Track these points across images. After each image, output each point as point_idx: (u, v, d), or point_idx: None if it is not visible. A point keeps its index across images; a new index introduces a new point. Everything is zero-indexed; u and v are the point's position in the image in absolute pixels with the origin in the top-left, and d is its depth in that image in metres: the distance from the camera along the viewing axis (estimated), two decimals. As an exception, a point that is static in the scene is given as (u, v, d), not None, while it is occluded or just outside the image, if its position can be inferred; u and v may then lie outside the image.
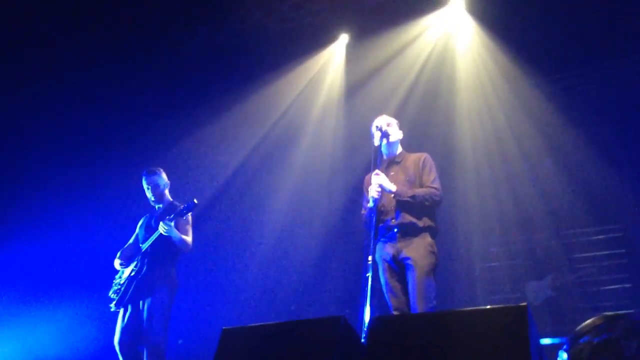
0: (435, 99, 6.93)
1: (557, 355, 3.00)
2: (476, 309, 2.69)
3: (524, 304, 2.52)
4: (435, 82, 6.91)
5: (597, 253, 7.06)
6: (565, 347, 2.86)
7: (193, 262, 7.01)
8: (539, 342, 2.61)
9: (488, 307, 2.66)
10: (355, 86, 7.14)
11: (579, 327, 2.86)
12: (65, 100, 6.77)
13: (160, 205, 5.29)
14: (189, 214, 5.09)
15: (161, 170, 5.35)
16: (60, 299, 6.55)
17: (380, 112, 6.45)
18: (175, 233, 4.97)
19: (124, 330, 4.92)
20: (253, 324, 3.20)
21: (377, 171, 4.51)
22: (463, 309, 2.83)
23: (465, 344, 2.55)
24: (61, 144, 6.85)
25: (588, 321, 2.85)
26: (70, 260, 6.53)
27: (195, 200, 5.01)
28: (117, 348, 4.89)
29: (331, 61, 7.27)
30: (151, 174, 5.26)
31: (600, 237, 7.13)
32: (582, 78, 6.90)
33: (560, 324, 6.69)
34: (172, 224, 4.94)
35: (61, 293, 6.55)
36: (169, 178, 5.44)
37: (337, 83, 7.27)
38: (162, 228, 4.88)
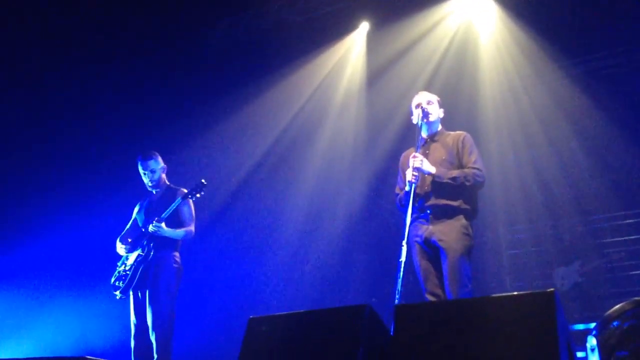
0: (457, 85, 6.85)
1: (585, 341, 2.96)
2: (503, 296, 2.66)
3: (552, 289, 2.49)
4: (458, 68, 6.84)
5: (626, 238, 6.97)
6: (594, 332, 2.82)
7: (218, 252, 7.08)
8: (567, 328, 2.58)
9: (515, 293, 2.62)
10: (377, 74, 7.10)
11: (608, 312, 2.82)
12: (85, 94, 6.84)
13: (158, 190, 5.26)
14: (191, 200, 5.06)
15: (157, 154, 5.28)
16: (71, 291, 6.62)
17: (402, 100, 6.46)
18: (169, 232, 4.94)
19: (138, 324, 4.90)
20: (279, 313, 3.21)
21: (414, 153, 4.31)
22: (490, 295, 2.80)
23: (492, 330, 2.52)
24: (81, 140, 6.92)
25: (617, 306, 2.81)
26: (79, 252, 6.58)
27: (203, 181, 4.99)
28: (132, 345, 4.88)
29: (352, 50, 7.23)
30: (147, 159, 5.19)
31: (628, 221, 7.04)
32: (608, 60, 6.77)
33: (588, 310, 6.63)
34: (163, 224, 4.89)
35: (72, 286, 6.61)
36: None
37: (358, 71, 7.23)
38: (151, 229, 4.85)
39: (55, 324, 6.51)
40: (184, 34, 6.89)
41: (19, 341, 6.40)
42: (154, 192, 5.28)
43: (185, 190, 5.14)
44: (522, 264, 7.47)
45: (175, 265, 4.99)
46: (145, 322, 4.86)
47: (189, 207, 5.13)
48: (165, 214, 4.95)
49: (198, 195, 5.00)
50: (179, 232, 5.02)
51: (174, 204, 4.99)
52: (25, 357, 4.06)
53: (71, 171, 6.82)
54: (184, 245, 5.24)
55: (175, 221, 5.02)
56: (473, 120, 6.76)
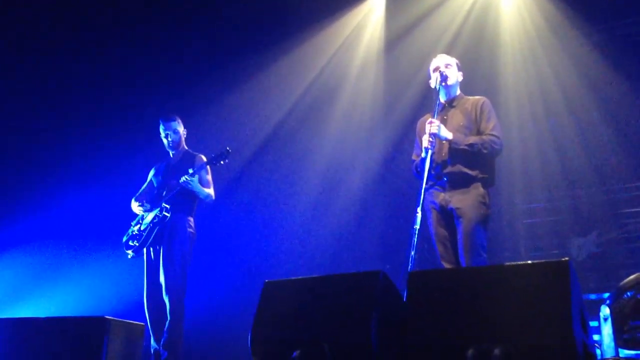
0: (477, 52, 6.74)
1: (599, 311, 2.97)
2: (517, 264, 2.65)
3: (566, 259, 2.48)
4: (478, 34, 6.71)
5: (644, 209, 6.90)
6: (608, 302, 2.83)
7: (235, 216, 7.14)
8: (581, 297, 2.58)
9: (530, 262, 2.62)
10: (395, 40, 6.99)
11: (622, 283, 2.82)
12: (100, 57, 6.85)
13: (175, 153, 5.31)
14: (208, 166, 5.11)
15: (178, 117, 5.33)
16: (90, 251, 6.71)
17: (420, 66, 6.37)
18: (198, 188, 5.00)
19: (150, 284, 4.99)
20: (294, 277, 3.24)
21: (431, 119, 4.26)
22: (504, 263, 2.80)
23: (506, 298, 2.53)
24: (98, 104, 6.95)
25: (632, 277, 2.81)
26: (97, 213, 6.65)
27: (228, 149, 5.02)
28: (145, 304, 5.00)
29: (370, 15, 7.13)
30: (170, 120, 5.25)
31: (648, 192, 6.95)
32: (633, 27, 6.61)
33: (604, 280, 6.61)
34: (196, 178, 4.98)
35: (91, 246, 6.71)
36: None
37: (376, 37, 7.13)
38: (183, 179, 4.90)
39: (74, 284, 6.63)
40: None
41: (39, 301, 6.55)
42: (171, 154, 5.32)
43: (203, 157, 5.18)
44: (538, 233, 7.42)
45: (189, 229, 5.06)
46: (157, 281, 4.94)
47: (207, 172, 5.17)
48: (195, 172, 4.98)
49: (222, 162, 5.03)
50: (205, 191, 5.08)
51: (200, 165, 5.03)
52: (45, 316, 4.16)
53: (88, 136, 6.88)
54: (200, 209, 5.29)
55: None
56: (493, 87, 6.65)
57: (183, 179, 4.92)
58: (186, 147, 5.38)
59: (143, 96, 6.90)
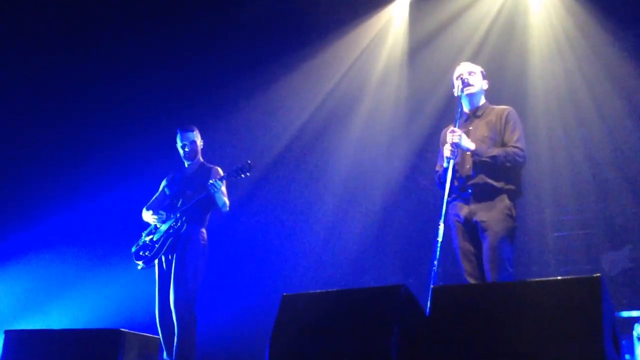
0: (505, 58, 6.63)
1: (632, 329, 2.87)
2: (545, 280, 2.58)
3: (598, 275, 2.40)
4: (506, 40, 6.60)
5: (681, 222, 6.68)
6: (643, 321, 2.70)
7: (253, 228, 7.09)
8: (614, 314, 2.47)
9: (559, 278, 2.53)
10: (419, 46, 6.93)
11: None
12: (117, 64, 6.91)
13: (191, 164, 5.28)
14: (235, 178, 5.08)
15: (196, 128, 5.32)
16: (106, 263, 6.71)
17: (444, 74, 6.27)
18: (221, 194, 4.97)
19: (161, 294, 4.92)
20: (313, 291, 3.19)
21: (452, 128, 4.18)
22: (532, 279, 2.70)
23: (533, 315, 2.45)
24: (111, 113, 7.00)
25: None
26: (114, 224, 6.64)
27: (249, 162, 4.99)
28: (157, 315, 4.92)
29: (394, 20, 7.08)
30: (187, 130, 5.25)
31: (684, 204, 6.73)
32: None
33: (637, 297, 6.39)
34: (223, 184, 4.95)
35: (106, 258, 6.70)
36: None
37: (399, 43, 7.07)
38: (211, 185, 4.86)
39: (89, 295, 6.63)
40: (224, 3, 6.88)
41: (53, 312, 6.55)
42: (186, 164, 5.30)
43: (219, 169, 5.18)
44: (568, 247, 7.23)
45: (202, 242, 5.02)
46: (169, 292, 4.87)
47: (223, 183, 5.14)
48: (223, 178, 4.97)
49: (243, 175, 4.99)
50: (224, 199, 5.04)
51: (220, 178, 4.99)
52: (59, 328, 4.14)
53: (99, 145, 6.94)
54: (216, 221, 5.25)
55: (209, 198, 5.02)
56: (521, 95, 6.52)
57: (211, 181, 4.88)
58: (202, 159, 5.36)
59: (158, 105, 6.94)
